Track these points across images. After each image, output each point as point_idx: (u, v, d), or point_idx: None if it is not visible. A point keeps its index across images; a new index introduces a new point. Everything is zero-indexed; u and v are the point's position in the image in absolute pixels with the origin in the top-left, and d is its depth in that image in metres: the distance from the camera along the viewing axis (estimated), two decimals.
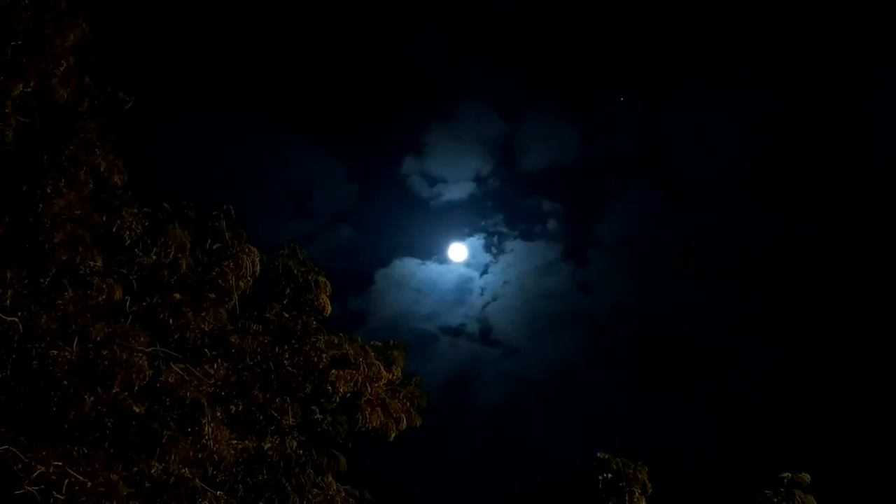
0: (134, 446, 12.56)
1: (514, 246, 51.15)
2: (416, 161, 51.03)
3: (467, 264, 50.93)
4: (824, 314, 49.64)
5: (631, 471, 17.19)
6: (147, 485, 12.78)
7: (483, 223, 50.94)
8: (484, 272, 50.87)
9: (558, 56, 51.53)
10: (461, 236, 51.03)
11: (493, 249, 50.90)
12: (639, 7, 48.78)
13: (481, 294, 50.91)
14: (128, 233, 12.84)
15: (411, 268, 50.55)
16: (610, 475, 17.24)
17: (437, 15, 50.58)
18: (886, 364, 46.49)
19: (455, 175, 50.49)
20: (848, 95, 48.93)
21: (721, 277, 50.55)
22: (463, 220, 50.97)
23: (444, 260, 50.82)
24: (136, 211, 12.92)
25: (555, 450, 46.25)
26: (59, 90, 12.06)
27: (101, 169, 12.66)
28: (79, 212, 12.44)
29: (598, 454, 17.45)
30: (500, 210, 51.44)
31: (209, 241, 13.26)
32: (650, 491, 17.23)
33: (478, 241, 50.70)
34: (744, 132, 49.86)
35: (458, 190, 50.49)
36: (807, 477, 17.07)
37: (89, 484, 11.96)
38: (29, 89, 11.59)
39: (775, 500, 17.07)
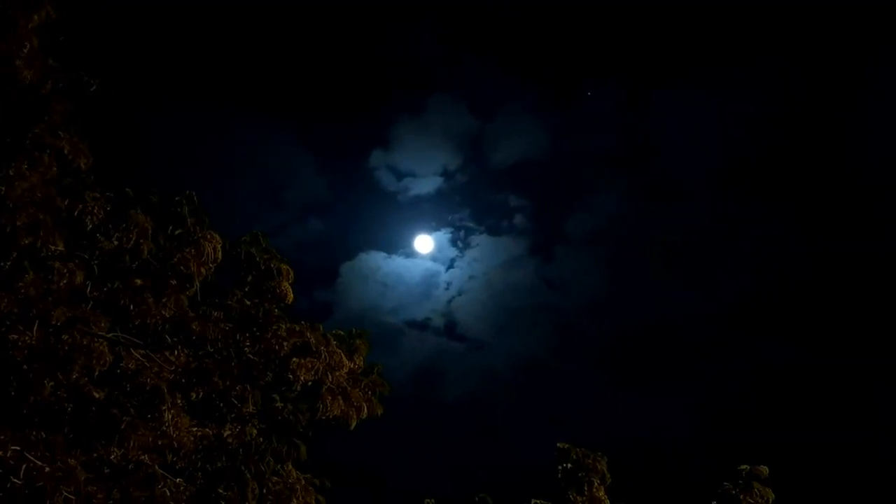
0: (93, 432, 12.51)
1: (481, 241, 51.38)
2: (385, 154, 51.20)
3: (434, 258, 51.13)
4: (797, 314, 50.00)
5: (590, 461, 17.30)
6: (106, 470, 12.74)
7: (450, 217, 51.12)
8: (450, 266, 51.09)
9: (531, 51, 51.64)
10: (428, 230, 51.25)
11: (460, 244, 51.11)
12: (613, 1, 48.91)
13: (447, 288, 51.13)
14: (90, 217, 12.76)
15: (378, 261, 50.72)
16: (570, 465, 17.35)
17: (409, 9, 50.62)
18: (862, 363, 46.89)
19: (423, 169, 50.66)
20: (827, 94, 49.18)
21: (686, 275, 50.83)
22: (430, 214, 51.16)
23: (410, 254, 51.01)
24: (98, 195, 12.84)
25: (521, 443, 46.47)
26: (22, 72, 11.98)
27: (66, 152, 12.57)
28: (42, 195, 12.35)
29: (559, 444, 17.55)
30: (468, 205, 51.65)
31: (171, 227, 13.20)
32: (609, 481, 17.35)
33: (444, 235, 50.90)
34: (716, 130, 50.15)
35: (426, 184, 50.65)
36: (765, 469, 17.23)
37: (47, 468, 11.91)
38: None
39: (734, 491, 17.22)
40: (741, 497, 17.12)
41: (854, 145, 49.24)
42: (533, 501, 17.13)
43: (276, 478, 13.86)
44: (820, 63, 49.13)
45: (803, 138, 50.16)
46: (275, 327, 13.61)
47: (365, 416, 14.21)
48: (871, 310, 49.17)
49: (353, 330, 14.54)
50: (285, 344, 13.53)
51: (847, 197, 50.13)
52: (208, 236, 13.26)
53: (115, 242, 12.86)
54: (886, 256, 48.59)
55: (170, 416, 12.94)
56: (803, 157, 50.71)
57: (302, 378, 13.53)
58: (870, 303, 49.16)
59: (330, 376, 13.77)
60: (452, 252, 51.31)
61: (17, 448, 11.81)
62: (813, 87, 49.49)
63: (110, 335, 13.04)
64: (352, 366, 14.13)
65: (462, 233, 51.36)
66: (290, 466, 14.05)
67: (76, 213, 12.69)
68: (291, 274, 13.87)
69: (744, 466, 17.30)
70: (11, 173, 12.10)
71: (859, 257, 49.87)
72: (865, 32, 47.82)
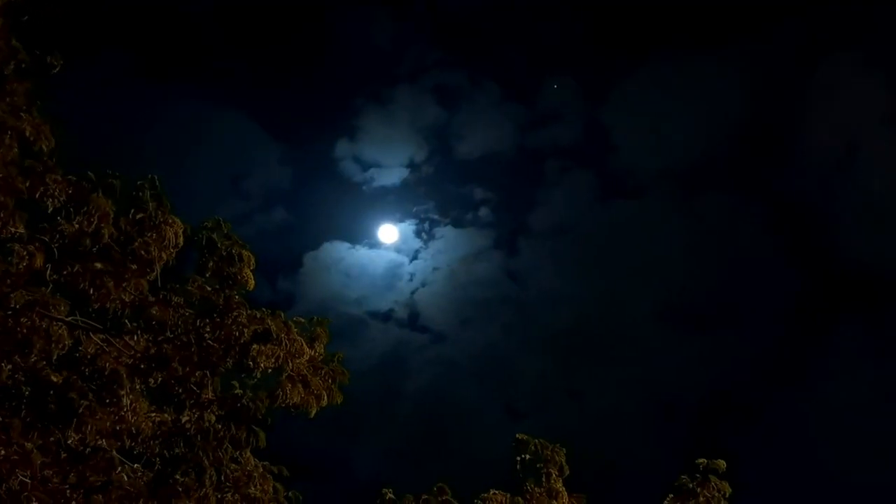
0: (51, 416, 12.43)
1: (445, 233, 51.33)
2: (351, 145, 51.02)
3: (397, 250, 51.05)
4: (755, 311, 50.42)
5: (549, 452, 17.39)
6: (63, 454, 12.69)
7: (415, 209, 51.03)
8: (414, 258, 51.01)
9: (497, 42, 51.71)
10: (392, 221, 51.12)
11: (424, 236, 51.03)
12: None
13: (410, 280, 51.07)
14: (51, 200, 12.70)
15: (341, 252, 50.57)
16: (528, 456, 17.43)
17: None
18: (819, 360, 47.39)
19: (389, 160, 50.56)
20: (788, 91, 49.55)
21: (654, 270, 51.09)
22: (395, 205, 51.09)
23: (374, 245, 50.90)
24: (60, 178, 12.76)
25: (480, 435, 46.61)
26: None
27: (27, 134, 12.50)
28: (2, 177, 12.28)
29: (518, 435, 17.62)
30: (433, 196, 51.56)
31: (133, 212, 13.14)
32: (567, 472, 17.45)
33: (409, 226, 50.81)
34: (686, 123, 50.33)
35: (391, 175, 50.55)
36: (722, 463, 17.37)
37: (3, 451, 11.87)
38: None
39: (691, 485, 17.35)
40: (698, 490, 17.26)
41: (813, 142, 49.67)
42: (491, 492, 17.19)
43: (234, 465, 13.82)
44: (781, 60, 49.55)
45: (764, 135, 50.58)
46: (235, 314, 13.56)
47: (325, 404, 14.20)
48: (831, 306, 49.73)
49: (314, 318, 14.52)
50: (246, 331, 13.49)
51: (809, 195, 50.62)
52: (170, 221, 13.20)
53: (76, 226, 12.78)
54: (847, 252, 49.13)
55: (128, 402, 12.89)
56: (764, 153, 51.15)
57: (262, 365, 13.50)
58: (829, 298, 49.71)
59: (290, 364, 13.75)
60: (417, 243, 51.24)
61: None
62: (774, 84, 49.87)
63: (69, 319, 12.98)
64: (312, 353, 14.11)
65: (427, 224, 51.28)
66: (249, 454, 14.01)
67: (37, 196, 12.61)
68: (253, 260, 13.83)
69: (701, 460, 17.43)
70: None
71: (819, 255, 50.42)
72: (826, 28, 48.34)
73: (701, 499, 17.17)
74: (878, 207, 48.32)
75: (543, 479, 17.25)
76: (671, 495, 17.60)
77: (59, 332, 12.74)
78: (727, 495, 17.26)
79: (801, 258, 50.98)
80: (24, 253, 12.45)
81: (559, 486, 17.25)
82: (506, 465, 17.89)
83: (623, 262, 51.60)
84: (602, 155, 53.11)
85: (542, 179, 53.23)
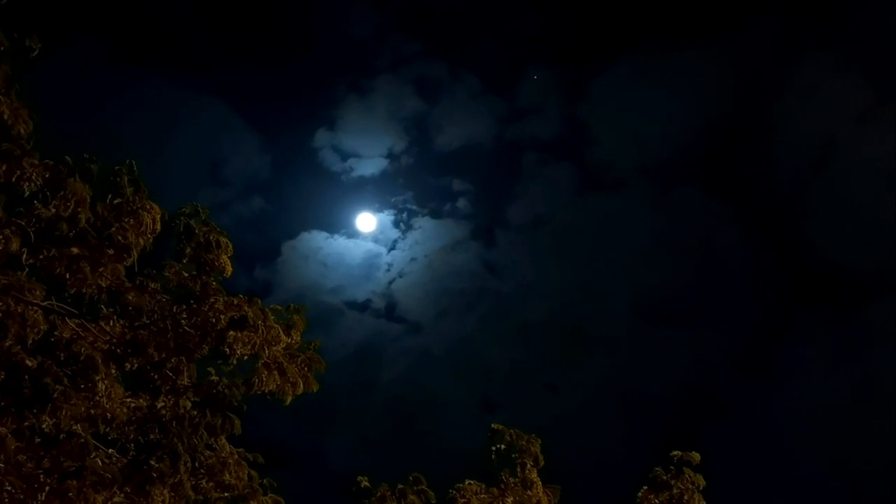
0: (25, 400, 12.37)
1: (423, 223, 51.46)
2: (330, 134, 51.05)
3: (375, 240, 51.15)
4: (731, 306, 50.69)
5: (524, 442, 17.40)
6: (37, 439, 12.63)
7: (393, 199, 51.13)
8: (392, 248, 51.14)
9: (479, 36, 51.75)
10: (371, 212, 51.16)
11: (402, 226, 51.15)
12: None
13: (388, 270, 51.19)
14: (28, 184, 12.63)
15: (319, 241, 50.62)
16: (503, 446, 17.44)
17: None
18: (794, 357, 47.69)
19: (368, 150, 50.62)
20: (768, 87, 49.76)
21: (629, 264, 51.29)
22: (373, 195, 51.16)
23: (352, 234, 50.95)
24: (37, 162, 12.70)
25: (456, 425, 46.70)
26: None
27: (5, 117, 12.43)
28: None
29: (493, 425, 17.63)
30: (411, 187, 51.63)
31: (110, 196, 13.09)
32: (542, 463, 17.46)
33: (387, 217, 50.92)
34: (665, 119, 50.52)
35: (370, 165, 50.62)
36: (696, 456, 17.43)
37: None
38: None
39: (665, 477, 17.42)
40: (672, 482, 17.32)
41: (789, 139, 49.94)
42: (466, 482, 17.20)
43: (209, 451, 13.82)
44: (759, 56, 49.76)
45: (740, 131, 50.83)
46: (212, 300, 13.54)
47: (301, 391, 14.19)
48: (803, 303, 50.04)
49: (291, 305, 14.51)
50: (222, 317, 13.47)
51: (784, 192, 50.87)
52: (147, 207, 13.15)
53: (53, 210, 12.72)
54: (821, 250, 49.41)
55: (103, 387, 12.87)
56: (741, 149, 51.40)
57: (238, 352, 13.48)
58: (802, 295, 50.02)
59: (266, 351, 13.74)
60: (395, 234, 51.35)
61: None
62: (752, 80, 50.08)
63: (45, 303, 12.94)
64: (289, 341, 14.10)
65: (405, 215, 51.39)
66: (224, 440, 14.01)
67: (14, 179, 12.55)
68: (230, 247, 13.79)
69: (675, 452, 17.48)
70: None
71: (793, 252, 50.72)
72: (804, 25, 48.56)
73: (675, 491, 17.23)
74: (852, 205, 48.68)
75: (518, 470, 17.27)
76: (645, 487, 17.66)
77: (35, 316, 12.70)
78: (701, 488, 17.32)
79: (775, 255, 51.36)
80: (0, 237, 12.39)
81: (534, 476, 17.27)
82: (480, 455, 17.90)
83: (599, 255, 51.87)
84: (580, 148, 53.32)
85: (521, 172, 53.43)
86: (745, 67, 50.01)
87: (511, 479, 17.27)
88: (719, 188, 52.22)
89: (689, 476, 17.34)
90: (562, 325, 50.61)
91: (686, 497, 17.22)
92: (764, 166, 50.96)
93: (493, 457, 17.42)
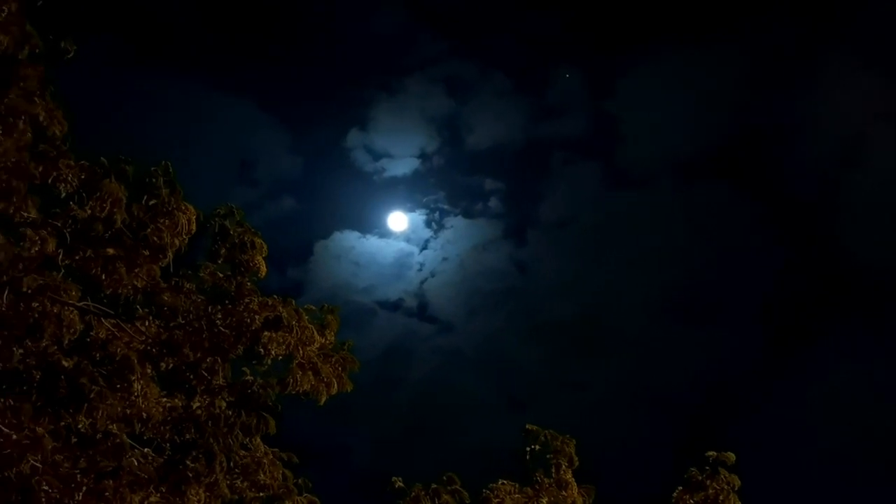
0: (61, 400, 12.43)
1: (455, 223, 51.50)
2: (362, 135, 51.17)
3: (407, 239, 51.21)
4: (762, 305, 50.46)
5: (559, 443, 17.39)
6: (73, 439, 12.68)
7: (425, 199, 51.19)
8: (424, 248, 51.21)
9: (509, 34, 51.72)
10: (403, 211, 51.21)
11: (434, 226, 51.21)
12: None
13: (420, 270, 51.27)
14: (64, 185, 12.69)
15: (351, 241, 50.74)
16: (538, 447, 17.43)
17: None
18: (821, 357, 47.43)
19: (400, 150, 50.72)
20: (793, 83, 49.53)
21: (655, 262, 51.14)
22: (405, 195, 51.24)
23: (384, 234, 51.02)
24: (73, 163, 12.74)
25: (484, 424, 46.68)
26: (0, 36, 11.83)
27: (41, 119, 12.46)
28: (15, 161, 12.25)
29: (527, 426, 17.62)
30: (443, 187, 51.73)
31: (146, 197, 13.13)
32: (577, 464, 17.45)
33: (419, 216, 51.00)
34: (692, 117, 50.37)
35: (402, 165, 50.73)
36: (731, 456, 17.37)
37: (14, 436, 11.86)
38: None
39: (700, 477, 17.37)
40: (707, 483, 17.27)
41: (814, 137, 49.70)
42: (500, 482, 17.19)
43: (244, 451, 13.87)
44: (784, 53, 49.54)
45: (766, 128, 50.60)
46: (247, 300, 13.57)
47: (335, 391, 14.21)
48: (829, 300, 49.77)
49: (325, 305, 14.53)
50: (257, 317, 13.50)
51: (810, 189, 50.65)
52: (183, 207, 13.19)
53: (89, 211, 12.77)
54: (846, 246, 49.15)
55: (139, 387, 12.91)
56: (766, 146, 51.19)
57: (273, 352, 13.52)
58: (827, 292, 49.74)
59: (301, 351, 13.76)
60: (427, 233, 51.44)
61: None
62: (778, 77, 49.86)
63: (81, 304, 12.99)
64: (323, 341, 14.12)
65: (437, 214, 51.50)
66: (259, 440, 14.05)
67: (50, 181, 12.60)
68: (265, 248, 13.82)
69: (711, 453, 17.43)
70: None
71: (818, 249, 50.45)
72: (828, 22, 48.31)
73: (710, 491, 17.20)
74: (879, 204, 48.39)
75: (553, 470, 17.27)
76: (680, 487, 17.62)
77: (71, 316, 12.74)
78: (736, 488, 17.27)
79: (800, 253, 51.07)
80: (37, 237, 12.46)
81: (569, 476, 17.27)
82: (509, 455, 17.91)
83: (626, 253, 51.80)
84: (609, 146, 53.25)
85: (550, 170, 53.37)
86: (771, 64, 49.84)
87: (546, 480, 17.27)
88: (746, 186, 52.10)
89: (725, 476, 17.29)
90: (589, 324, 50.55)
91: (721, 497, 17.18)
92: (790, 164, 50.77)
93: (527, 457, 17.41)
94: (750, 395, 49.54)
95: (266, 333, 13.47)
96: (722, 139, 50.81)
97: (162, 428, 13.43)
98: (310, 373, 13.93)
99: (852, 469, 45.58)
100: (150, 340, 13.35)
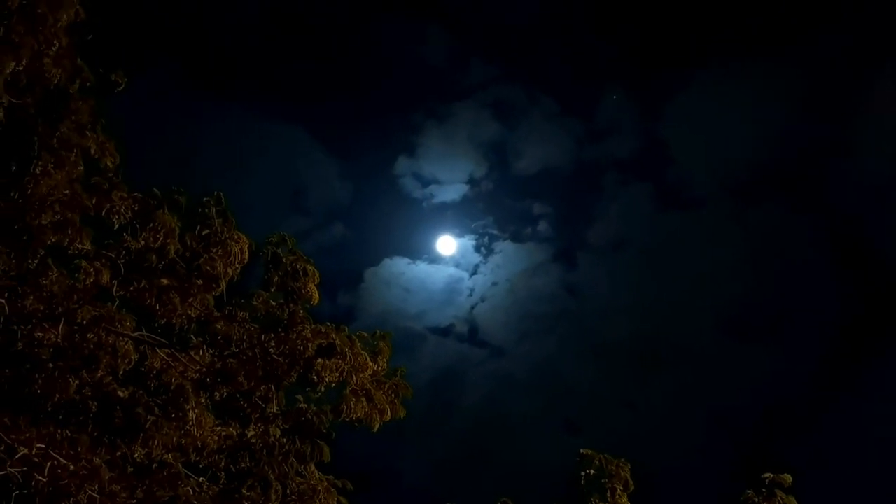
0: (117, 430, 12.54)
1: (504, 247, 51.43)
2: (410, 161, 51.26)
3: (457, 265, 51.17)
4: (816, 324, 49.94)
5: (614, 467, 17.25)
6: (130, 469, 12.79)
7: (474, 224, 51.17)
8: (473, 273, 51.12)
9: (555, 58, 51.70)
10: (452, 236, 51.20)
11: (483, 250, 51.15)
12: (639, 8, 48.97)
13: (470, 295, 51.15)
14: (117, 216, 12.79)
15: (401, 267, 50.74)
16: (593, 471, 17.30)
17: (437, 15, 50.85)
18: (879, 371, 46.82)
19: (448, 176, 50.73)
20: (846, 102, 49.10)
21: (709, 281, 50.77)
22: (454, 220, 51.22)
23: (434, 260, 51.03)
24: (125, 195, 12.86)
25: (539, 448, 46.45)
26: (51, 70, 11.94)
27: (92, 151, 12.59)
28: (68, 194, 12.38)
29: (582, 450, 17.50)
30: (492, 212, 51.70)
31: (198, 228, 13.20)
32: (632, 488, 17.29)
33: (468, 241, 50.94)
34: (743, 136, 50.06)
35: (450, 191, 50.73)
36: (788, 478, 17.11)
37: (72, 467, 11.96)
38: (21, 68, 11.46)
39: (757, 499, 17.14)
40: None
41: (868, 154, 49.20)
42: None
43: (299, 478, 13.86)
44: (835, 70, 49.15)
45: (819, 146, 50.19)
46: (300, 328, 13.60)
47: (388, 418, 14.19)
48: (887, 318, 49.14)
49: (377, 332, 14.53)
50: (310, 345, 13.52)
51: (864, 207, 50.16)
52: (235, 237, 13.26)
53: (142, 242, 12.87)
54: None
55: (194, 416, 12.96)
56: (819, 164, 50.77)
57: (326, 379, 13.53)
58: (885, 310, 49.14)
59: (354, 378, 13.76)
60: (476, 258, 51.37)
61: (42, 446, 11.86)
62: (829, 94, 49.47)
63: (135, 334, 13.09)
64: (375, 368, 14.12)
65: (486, 239, 51.43)
66: (313, 467, 14.05)
67: (103, 212, 12.71)
68: (317, 275, 13.85)
69: (767, 474, 17.19)
70: (38, 171, 12.11)
71: (874, 267, 49.90)
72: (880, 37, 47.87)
73: None
74: None
75: (609, 495, 17.14)
76: None
77: (126, 347, 12.84)
78: None
79: (856, 270, 50.48)
80: (91, 269, 12.56)
81: (624, 501, 17.12)
82: (561, 478, 17.81)
83: (679, 273, 51.44)
84: (659, 167, 52.99)
85: (600, 193, 53.22)
86: (821, 82, 49.45)
87: None
88: (800, 204, 51.65)
89: (781, 498, 17.05)
90: (642, 344, 50.27)
91: None
92: (844, 181, 50.28)
93: (581, 482, 17.29)
94: (807, 415, 48.93)
95: (319, 361, 13.49)
96: (775, 157, 50.42)
97: (217, 457, 13.48)
98: (363, 399, 13.92)
99: None
100: (204, 369, 13.40)
